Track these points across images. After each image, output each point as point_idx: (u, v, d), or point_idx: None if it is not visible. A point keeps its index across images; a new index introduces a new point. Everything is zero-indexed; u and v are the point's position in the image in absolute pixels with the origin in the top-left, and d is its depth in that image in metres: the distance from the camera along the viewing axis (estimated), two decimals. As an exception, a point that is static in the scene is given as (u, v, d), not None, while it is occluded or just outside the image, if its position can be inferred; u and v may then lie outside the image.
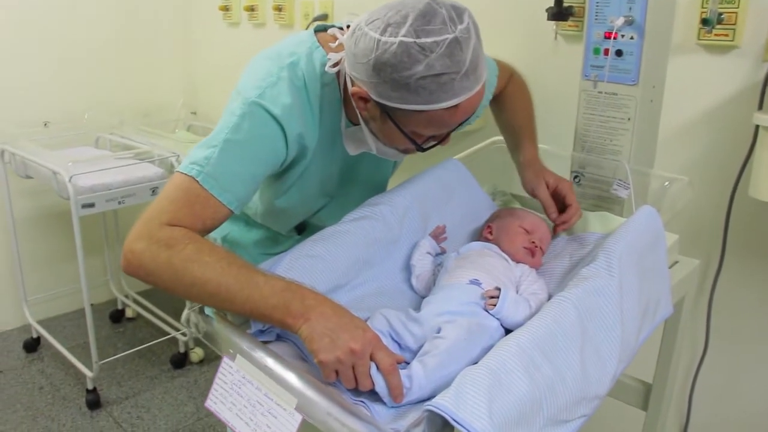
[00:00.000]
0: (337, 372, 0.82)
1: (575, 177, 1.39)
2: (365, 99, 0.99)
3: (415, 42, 0.89)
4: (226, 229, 1.35)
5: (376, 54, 0.92)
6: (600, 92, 1.34)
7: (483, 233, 1.21)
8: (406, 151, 1.11)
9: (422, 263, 1.15)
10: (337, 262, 1.08)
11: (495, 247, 1.14)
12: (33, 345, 2.75)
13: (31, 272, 2.78)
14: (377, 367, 0.82)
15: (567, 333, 0.86)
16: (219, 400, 0.85)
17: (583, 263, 1.02)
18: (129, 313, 3.00)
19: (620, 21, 1.24)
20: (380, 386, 0.82)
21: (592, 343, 0.89)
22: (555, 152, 1.39)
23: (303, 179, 1.15)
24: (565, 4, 1.64)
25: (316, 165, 1.15)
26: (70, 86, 2.84)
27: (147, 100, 3.06)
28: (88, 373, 2.36)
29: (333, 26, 1.14)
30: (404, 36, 0.90)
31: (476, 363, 0.80)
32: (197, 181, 0.97)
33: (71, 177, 2.11)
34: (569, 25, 1.73)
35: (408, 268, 1.17)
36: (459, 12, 0.93)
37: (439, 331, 0.90)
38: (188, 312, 0.96)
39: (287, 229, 1.32)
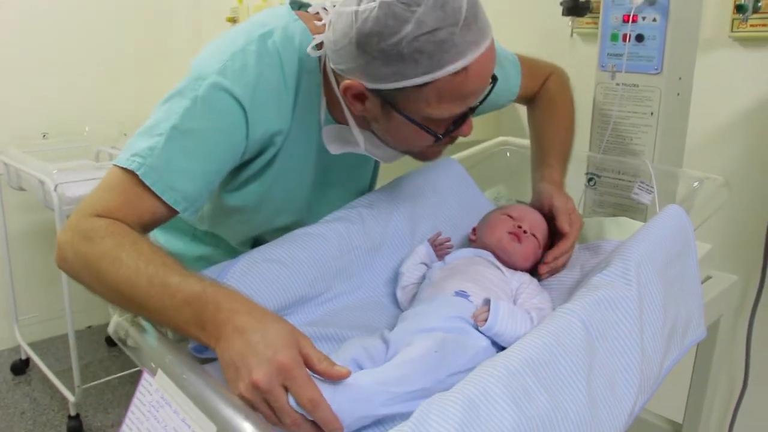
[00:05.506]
0: None
1: (590, 180, 1.22)
2: (361, 96, 0.85)
3: (397, 0, 0.77)
4: (168, 242, 1.16)
5: (356, 27, 0.79)
6: (618, 84, 1.18)
7: (468, 237, 1.04)
8: (423, 154, 0.95)
9: (412, 273, 0.98)
10: (304, 270, 0.92)
11: (488, 255, 0.97)
12: (21, 367, 2.62)
13: (24, 291, 2.67)
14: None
15: (571, 355, 0.68)
16: (135, 425, 0.68)
17: (595, 272, 0.84)
18: (126, 336, 2.85)
19: (640, -1, 1.08)
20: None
21: (603, 368, 0.71)
22: (567, 153, 1.21)
23: (265, 174, 0.97)
24: (582, -1, 1.49)
25: (284, 158, 0.97)
26: (72, 98, 2.76)
27: (153, 115, 2.97)
28: (71, 398, 2.22)
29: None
30: None
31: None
32: (137, 175, 0.82)
33: (56, 186, 2.00)
34: (586, 23, 1.59)
35: (392, 281, 1.01)
36: None
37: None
38: (117, 319, 0.81)
39: (239, 239, 1.11)
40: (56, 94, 2.72)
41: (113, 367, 2.64)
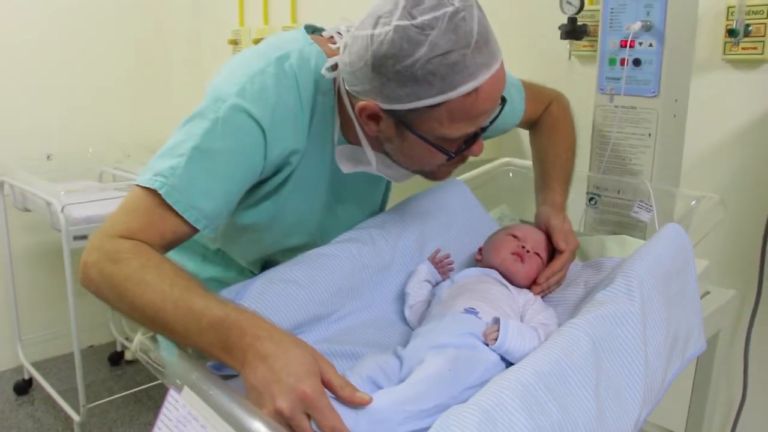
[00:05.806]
0: None
1: (591, 199, 1.26)
2: (376, 117, 0.88)
3: (411, 24, 0.80)
4: (179, 262, 1.17)
5: (372, 50, 0.82)
6: (617, 106, 1.22)
7: (475, 258, 1.07)
8: (434, 174, 0.98)
9: (417, 292, 1.02)
10: (318, 290, 0.95)
11: (495, 273, 1.00)
12: (24, 387, 2.62)
13: (27, 311, 2.68)
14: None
15: (579, 368, 0.72)
16: (162, 443, 0.71)
17: (599, 289, 0.87)
18: (128, 356, 2.86)
19: (637, 25, 1.13)
20: None
21: (609, 380, 0.74)
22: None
23: (279, 193, 0.99)
24: (579, 23, 1.54)
25: (299, 177, 0.99)
26: (75, 120, 2.79)
27: (156, 136, 3.00)
28: (75, 418, 2.22)
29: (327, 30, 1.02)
30: (398, 20, 0.80)
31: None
32: (160, 194, 0.85)
33: (63, 207, 2.03)
34: (584, 46, 1.64)
35: (401, 298, 1.04)
36: None
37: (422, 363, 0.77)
38: (140, 338, 0.84)
39: (249, 259, 1.13)
40: (59, 116, 2.75)
41: (116, 386, 2.65)
